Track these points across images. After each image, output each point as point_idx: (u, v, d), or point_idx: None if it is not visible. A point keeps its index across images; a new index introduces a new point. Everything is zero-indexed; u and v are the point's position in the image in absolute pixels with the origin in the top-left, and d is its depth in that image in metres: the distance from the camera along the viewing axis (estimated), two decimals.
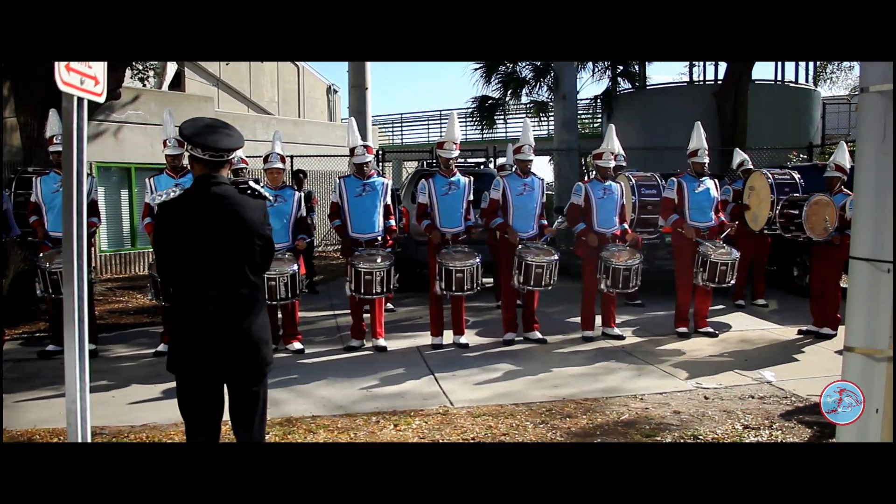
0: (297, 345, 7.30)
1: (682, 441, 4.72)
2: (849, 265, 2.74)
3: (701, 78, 21.02)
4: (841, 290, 7.88)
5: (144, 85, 16.17)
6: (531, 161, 7.70)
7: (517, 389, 6.03)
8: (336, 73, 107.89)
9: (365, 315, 7.58)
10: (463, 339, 7.53)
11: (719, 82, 18.30)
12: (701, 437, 4.80)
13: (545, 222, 7.78)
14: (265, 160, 7.34)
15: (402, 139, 33.07)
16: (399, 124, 33.66)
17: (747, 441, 4.73)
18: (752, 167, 9.71)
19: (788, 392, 5.86)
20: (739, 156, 10.08)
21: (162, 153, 7.60)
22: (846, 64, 22.49)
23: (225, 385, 3.27)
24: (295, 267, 6.92)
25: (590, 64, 20.67)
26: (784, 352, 7.29)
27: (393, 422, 5.15)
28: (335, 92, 28.31)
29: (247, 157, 8.24)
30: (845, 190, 7.73)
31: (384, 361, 6.96)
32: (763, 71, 38.62)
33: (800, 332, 7.98)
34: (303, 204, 7.41)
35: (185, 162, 7.07)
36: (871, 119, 2.60)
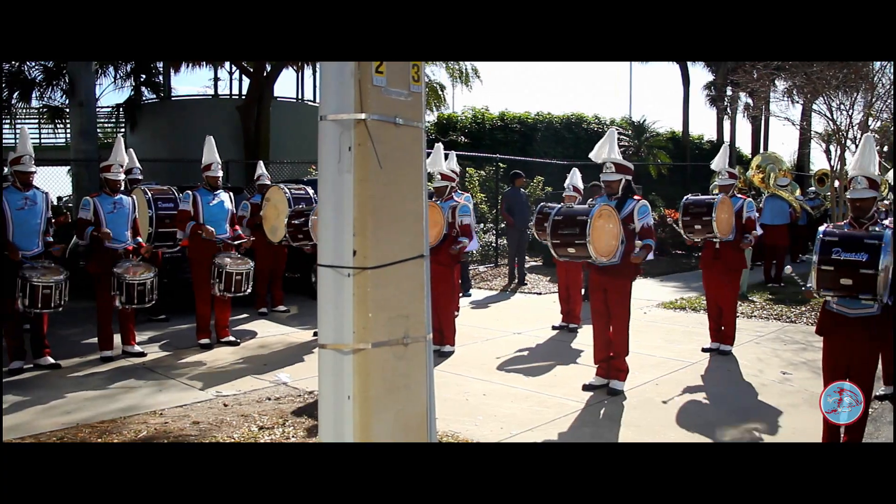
0: None
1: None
2: (317, 272, 3.05)
3: (226, 92, 21.42)
4: None
5: None
6: (34, 173, 7.12)
7: (23, 421, 5.53)
8: None
9: None
10: None
11: (243, 97, 18.85)
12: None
13: (51, 239, 7.25)
14: None
15: None
16: None
17: (262, 440, 4.99)
18: (268, 182, 10.22)
19: (302, 390, 6.33)
20: (260, 168, 10.56)
21: None
22: None
23: None
24: None
25: (111, 69, 19.76)
26: (300, 353, 7.84)
27: None
28: None
29: None
30: None
31: None
32: (286, 89, 40.82)
33: (315, 333, 8.63)
34: None
35: None
36: (328, 144, 2.95)
